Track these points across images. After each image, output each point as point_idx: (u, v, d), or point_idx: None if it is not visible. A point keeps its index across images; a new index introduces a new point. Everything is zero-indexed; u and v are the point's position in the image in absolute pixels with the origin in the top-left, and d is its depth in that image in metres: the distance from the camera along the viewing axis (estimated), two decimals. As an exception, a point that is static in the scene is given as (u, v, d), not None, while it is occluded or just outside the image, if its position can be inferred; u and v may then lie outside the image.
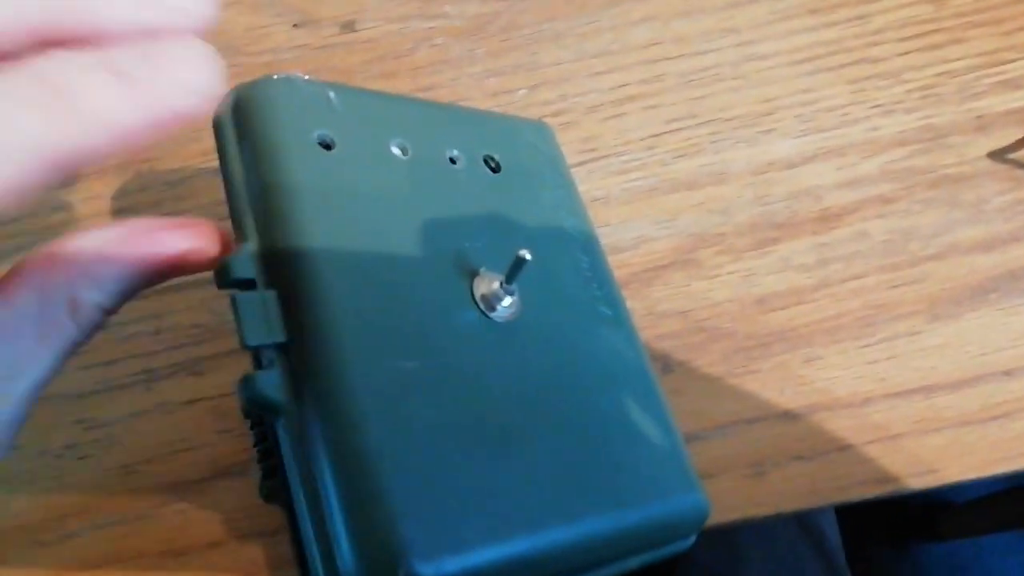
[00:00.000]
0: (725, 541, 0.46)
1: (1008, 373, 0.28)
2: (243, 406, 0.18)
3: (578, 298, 0.22)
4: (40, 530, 0.25)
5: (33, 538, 0.25)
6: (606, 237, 0.25)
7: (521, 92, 0.31)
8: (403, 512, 0.16)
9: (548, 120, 0.28)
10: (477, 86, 0.31)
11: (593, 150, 0.31)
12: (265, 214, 0.18)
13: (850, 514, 0.66)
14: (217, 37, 0.32)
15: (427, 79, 0.32)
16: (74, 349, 0.17)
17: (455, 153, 0.22)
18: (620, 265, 0.29)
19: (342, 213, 0.19)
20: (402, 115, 0.22)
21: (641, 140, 0.31)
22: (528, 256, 0.19)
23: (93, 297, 0.17)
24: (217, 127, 0.20)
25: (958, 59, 0.33)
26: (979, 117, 0.32)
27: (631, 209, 0.30)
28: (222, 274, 0.18)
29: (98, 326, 0.18)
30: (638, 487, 0.20)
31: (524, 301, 0.21)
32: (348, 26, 0.32)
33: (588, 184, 0.30)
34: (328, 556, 0.16)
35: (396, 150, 0.21)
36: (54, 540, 0.25)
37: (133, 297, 0.18)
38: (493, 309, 0.20)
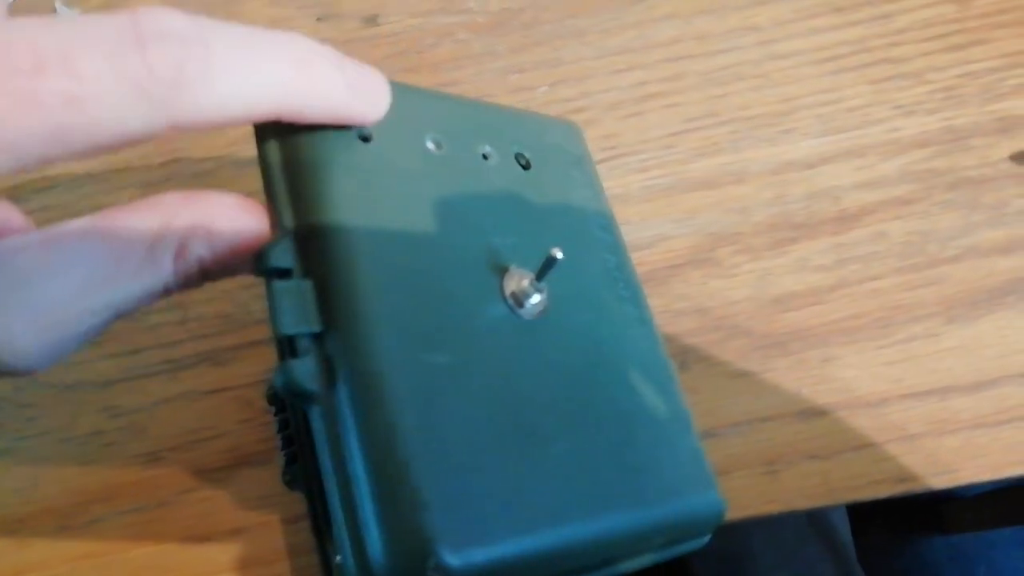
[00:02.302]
0: (733, 530, 0.46)
1: (1025, 376, 0.28)
2: (274, 393, 0.18)
3: (605, 297, 0.22)
4: (66, 514, 0.25)
5: (59, 522, 0.25)
6: (625, 235, 0.25)
7: (542, 89, 0.32)
8: (433, 503, 0.16)
9: (569, 118, 0.28)
10: (498, 82, 0.32)
11: (613, 148, 0.31)
12: (303, 204, 0.19)
13: (856, 504, 0.66)
14: (240, 29, 0.32)
15: (448, 75, 0.32)
16: (157, 296, 0.17)
17: (488, 149, 0.22)
18: (638, 263, 0.29)
19: (378, 205, 0.19)
20: (437, 110, 0.22)
21: (661, 138, 0.31)
22: (560, 255, 0.19)
23: (200, 251, 0.18)
24: None
25: (981, 60, 0.32)
26: (1001, 119, 0.32)
27: (650, 207, 0.30)
28: (260, 261, 0.18)
29: (188, 283, 0.18)
30: (657, 486, 0.20)
31: (552, 298, 0.21)
32: (371, 20, 0.32)
33: (608, 182, 0.30)
34: (358, 544, 0.17)
35: (431, 144, 0.21)
36: (79, 524, 0.25)
37: (225, 275, 0.19)
38: (522, 306, 0.20)
